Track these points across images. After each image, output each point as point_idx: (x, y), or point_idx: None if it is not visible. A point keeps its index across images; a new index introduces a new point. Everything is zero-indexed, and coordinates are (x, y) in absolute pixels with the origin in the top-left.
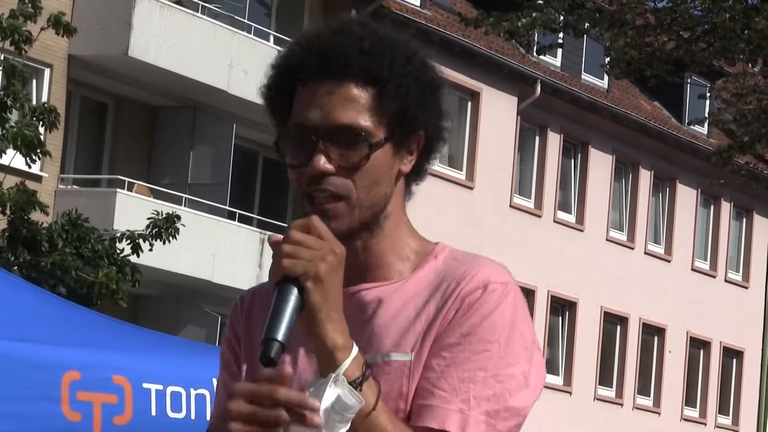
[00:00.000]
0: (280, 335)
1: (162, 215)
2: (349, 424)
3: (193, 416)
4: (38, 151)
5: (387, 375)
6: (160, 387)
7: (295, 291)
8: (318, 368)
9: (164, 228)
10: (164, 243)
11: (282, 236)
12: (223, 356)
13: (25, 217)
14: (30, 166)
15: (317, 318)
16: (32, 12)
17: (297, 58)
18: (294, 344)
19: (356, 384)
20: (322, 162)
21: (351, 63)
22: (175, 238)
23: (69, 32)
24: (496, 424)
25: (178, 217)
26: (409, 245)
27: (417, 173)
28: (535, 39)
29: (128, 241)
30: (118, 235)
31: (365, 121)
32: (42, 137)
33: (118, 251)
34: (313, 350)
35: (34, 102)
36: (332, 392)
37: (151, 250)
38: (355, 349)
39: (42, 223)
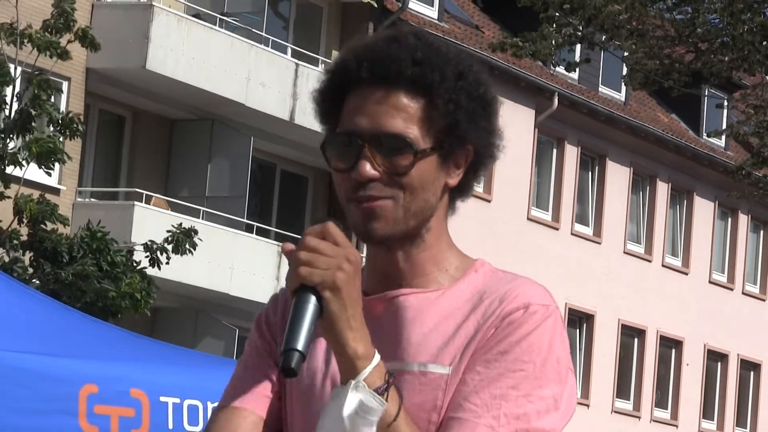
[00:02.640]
0: (300, 345)
1: (181, 228)
2: (374, 427)
3: None
4: (54, 158)
5: (423, 386)
6: (177, 400)
7: (313, 299)
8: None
9: (182, 241)
10: (181, 255)
11: (295, 245)
12: (251, 340)
13: (46, 229)
14: (50, 175)
15: (337, 326)
16: (63, 26)
17: (350, 64)
18: (327, 344)
19: (378, 393)
20: (368, 168)
21: (402, 72)
22: (191, 253)
23: (94, 47)
24: None
25: (196, 232)
26: (449, 259)
27: (462, 189)
28: (560, 56)
29: (147, 254)
30: (135, 247)
31: (413, 130)
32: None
33: (135, 263)
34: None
35: (59, 113)
36: (354, 397)
37: (167, 263)
38: (377, 358)
39: (63, 233)
